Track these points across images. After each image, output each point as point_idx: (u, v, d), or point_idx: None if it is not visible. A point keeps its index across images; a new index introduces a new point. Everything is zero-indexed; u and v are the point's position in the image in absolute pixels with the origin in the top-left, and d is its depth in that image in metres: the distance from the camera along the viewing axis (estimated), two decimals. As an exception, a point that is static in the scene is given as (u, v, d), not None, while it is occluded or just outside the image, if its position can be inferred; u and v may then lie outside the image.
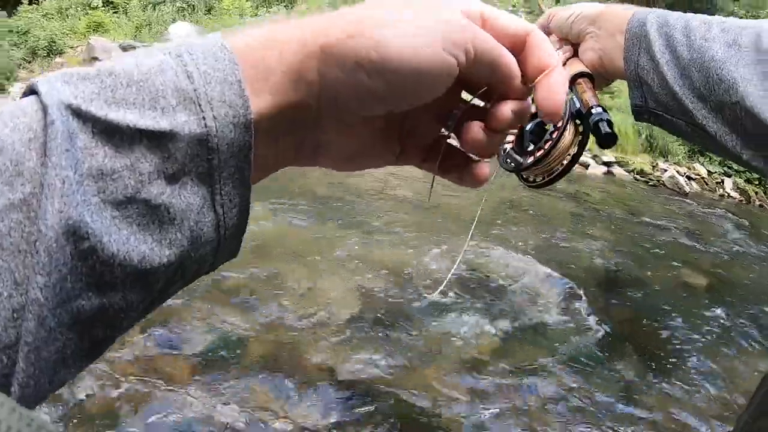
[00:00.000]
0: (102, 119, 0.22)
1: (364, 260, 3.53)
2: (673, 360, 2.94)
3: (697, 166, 8.74)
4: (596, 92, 0.70)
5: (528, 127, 0.78)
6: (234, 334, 2.60)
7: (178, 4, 11.97)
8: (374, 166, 0.36)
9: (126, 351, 2.37)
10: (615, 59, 0.68)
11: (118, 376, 2.23)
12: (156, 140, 0.23)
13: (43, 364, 0.22)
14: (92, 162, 0.22)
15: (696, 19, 0.62)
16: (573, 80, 0.72)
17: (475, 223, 0.61)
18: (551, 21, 0.75)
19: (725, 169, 8.29)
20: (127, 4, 11.97)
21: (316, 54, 0.27)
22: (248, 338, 2.58)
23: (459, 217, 4.17)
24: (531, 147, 0.75)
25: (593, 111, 0.67)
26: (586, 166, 7.94)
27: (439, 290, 3.20)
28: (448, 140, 0.35)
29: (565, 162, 0.72)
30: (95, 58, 9.90)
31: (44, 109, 0.22)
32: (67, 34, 11.14)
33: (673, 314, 3.45)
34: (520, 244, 4.20)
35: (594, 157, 8.20)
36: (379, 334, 2.74)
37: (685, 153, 9.05)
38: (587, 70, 0.71)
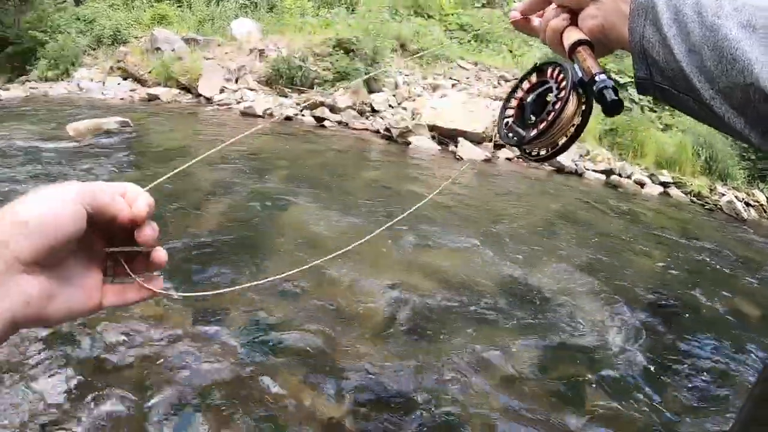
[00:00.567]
0: None
1: (413, 263, 3.54)
2: (719, 391, 2.80)
3: (756, 192, 8.37)
4: (597, 60, 0.67)
5: (529, 98, 0.75)
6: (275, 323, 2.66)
7: (241, 1, 12.28)
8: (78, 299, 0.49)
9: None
10: (618, 27, 0.64)
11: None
12: None
13: None
14: None
15: None
16: (572, 49, 0.68)
17: (414, 209, 0.60)
18: None
19: (786, 197, 7.93)
20: (192, -2, 12.34)
21: None
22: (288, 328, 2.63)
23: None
24: (533, 119, 0.73)
25: (597, 78, 0.64)
26: (642, 184, 7.70)
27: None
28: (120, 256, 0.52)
29: (569, 134, 0.69)
30: (158, 49, 10.30)
31: None
32: (131, 25, 11.61)
33: (722, 342, 3.29)
34: (571, 259, 4.12)
35: (651, 176, 7.95)
36: (416, 339, 2.73)
37: (744, 178, 8.67)
38: (586, 38, 0.68)
